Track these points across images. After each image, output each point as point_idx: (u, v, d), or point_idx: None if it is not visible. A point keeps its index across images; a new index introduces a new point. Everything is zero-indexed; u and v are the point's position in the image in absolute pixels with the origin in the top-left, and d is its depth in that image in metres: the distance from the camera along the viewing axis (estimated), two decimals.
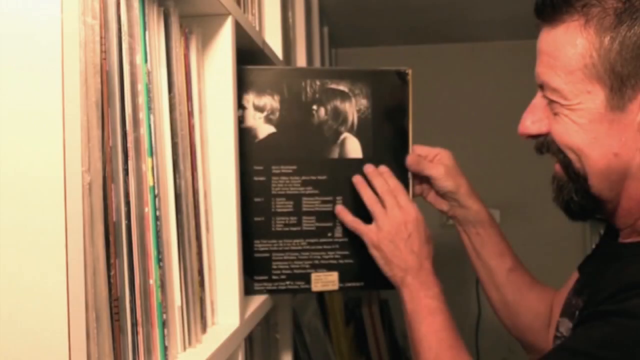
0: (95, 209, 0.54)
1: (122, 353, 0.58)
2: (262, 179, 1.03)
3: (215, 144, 0.86)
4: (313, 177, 1.05)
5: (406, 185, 1.07)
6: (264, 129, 1.03)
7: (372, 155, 1.07)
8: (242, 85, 1.00)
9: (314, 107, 1.05)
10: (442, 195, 1.11)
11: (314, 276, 1.06)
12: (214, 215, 0.86)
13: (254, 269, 1.03)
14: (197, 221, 0.80)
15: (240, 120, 1.00)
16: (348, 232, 1.06)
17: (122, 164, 0.59)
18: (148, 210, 0.65)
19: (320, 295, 1.98)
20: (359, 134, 1.06)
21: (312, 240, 1.05)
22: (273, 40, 1.23)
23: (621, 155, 0.79)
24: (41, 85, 0.47)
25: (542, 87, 0.85)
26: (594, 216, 0.87)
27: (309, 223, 1.05)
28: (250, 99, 1.02)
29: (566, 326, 0.89)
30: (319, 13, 2.05)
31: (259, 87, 1.02)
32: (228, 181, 0.87)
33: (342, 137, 1.06)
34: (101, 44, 0.56)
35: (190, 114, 0.78)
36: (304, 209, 1.05)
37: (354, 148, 1.07)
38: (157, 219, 0.67)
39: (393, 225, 1.01)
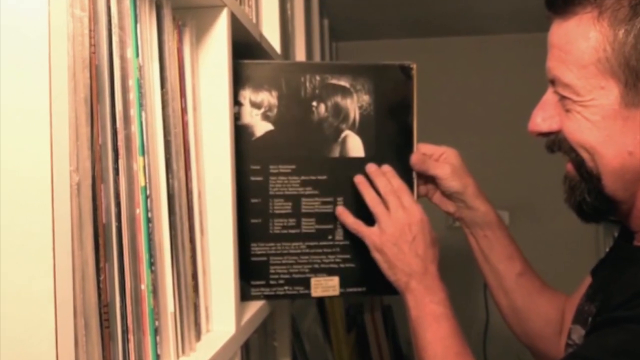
0: (84, 210, 0.53)
1: None
2: (259, 179, 1.01)
3: (210, 142, 0.85)
4: (313, 177, 1.04)
5: (410, 186, 1.06)
6: (261, 127, 1.01)
7: (375, 154, 1.05)
8: (238, 81, 0.98)
9: (314, 103, 1.03)
10: (448, 196, 1.10)
11: (314, 281, 1.04)
12: (209, 217, 0.85)
13: (250, 274, 1.01)
14: (191, 223, 0.79)
15: (236, 117, 0.99)
16: (349, 234, 1.04)
17: (112, 163, 0.59)
18: (139, 211, 0.64)
19: (320, 300, 1.99)
20: (360, 131, 1.05)
21: (312, 243, 1.04)
22: (271, 33, 1.23)
23: (636, 154, 0.77)
24: (27, 80, 0.46)
25: (553, 82, 0.83)
26: (608, 218, 0.86)
27: (308, 225, 1.03)
28: (246, 95, 1.00)
29: (578, 333, 0.88)
30: (319, 5, 2.06)
31: (256, 82, 1.01)
32: (223, 181, 0.85)
33: (343, 135, 1.05)
34: (90, 37, 0.56)
35: (183, 110, 0.78)
36: (304, 211, 1.03)
37: (355, 146, 1.05)
38: (149, 220, 0.66)
39: (397, 227, 1.00)
